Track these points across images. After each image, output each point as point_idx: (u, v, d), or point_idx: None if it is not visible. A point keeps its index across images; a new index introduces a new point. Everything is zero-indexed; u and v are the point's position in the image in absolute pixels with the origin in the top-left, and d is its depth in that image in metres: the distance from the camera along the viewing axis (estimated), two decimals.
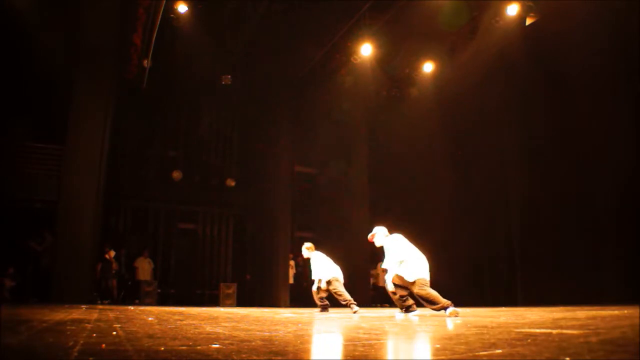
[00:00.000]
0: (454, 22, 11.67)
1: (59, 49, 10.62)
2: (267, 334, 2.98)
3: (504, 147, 12.42)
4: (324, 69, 13.73)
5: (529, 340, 2.32)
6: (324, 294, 7.79)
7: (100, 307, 8.04)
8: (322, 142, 15.26)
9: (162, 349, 2.11)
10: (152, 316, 5.03)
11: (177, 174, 14.08)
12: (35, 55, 10.54)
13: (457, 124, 14.16)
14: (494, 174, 12.58)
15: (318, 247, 8.14)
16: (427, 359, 2.04)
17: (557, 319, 3.98)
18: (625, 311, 4.74)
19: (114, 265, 12.04)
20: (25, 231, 10.93)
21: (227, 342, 2.45)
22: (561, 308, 6.72)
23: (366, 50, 12.17)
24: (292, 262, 13.97)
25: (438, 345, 2.40)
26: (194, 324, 3.88)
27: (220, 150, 15.52)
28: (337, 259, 8.01)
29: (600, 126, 9.65)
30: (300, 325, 4.06)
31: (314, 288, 7.83)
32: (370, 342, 2.57)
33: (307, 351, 2.38)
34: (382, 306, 12.66)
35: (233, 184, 14.79)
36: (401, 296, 5.76)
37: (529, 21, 10.96)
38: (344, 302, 7.48)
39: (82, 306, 7.49)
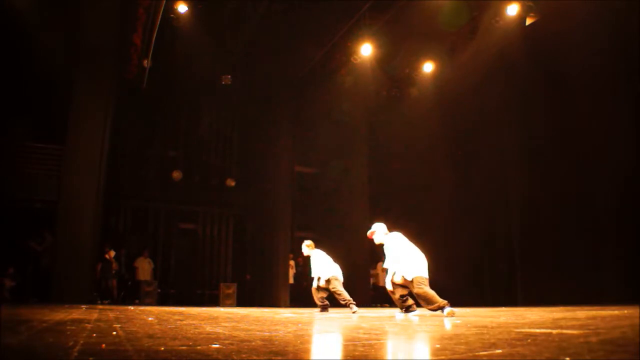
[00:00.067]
0: (454, 22, 11.67)
1: (59, 49, 10.62)
2: (267, 334, 2.98)
3: (504, 147, 12.42)
4: (324, 69, 13.73)
5: (529, 340, 2.32)
6: (324, 294, 7.79)
7: (100, 307, 8.04)
8: (322, 142, 15.27)
9: (162, 349, 2.11)
10: (152, 316, 5.03)
11: (177, 174, 14.09)
12: (35, 55, 10.53)
13: (457, 124, 14.16)
14: (494, 174, 12.57)
15: (318, 246, 8.14)
16: (427, 359, 2.04)
17: (557, 319, 3.98)
18: (625, 311, 4.74)
19: (114, 265, 12.05)
20: (25, 231, 10.93)
21: (227, 342, 2.45)
22: (561, 308, 6.72)
23: (366, 50, 12.17)
24: (292, 262, 13.97)
25: (438, 345, 2.40)
26: (194, 324, 3.88)
27: (220, 150, 15.53)
28: (337, 259, 8.00)
29: (600, 126, 9.64)
30: (300, 325, 4.06)
31: (314, 285, 7.82)
32: (370, 342, 2.57)
33: (307, 351, 2.38)
34: (382, 306, 12.66)
35: (233, 184, 14.79)
36: (401, 296, 5.76)
37: (529, 21, 10.96)
38: (343, 302, 7.48)
39: (82, 306, 7.49)
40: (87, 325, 3.38)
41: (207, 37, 12.15)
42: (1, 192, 10.34)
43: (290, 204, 14.07)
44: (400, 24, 11.85)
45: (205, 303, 13.16)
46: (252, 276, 14.61)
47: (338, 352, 2.33)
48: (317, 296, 7.80)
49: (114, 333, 2.78)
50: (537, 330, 2.87)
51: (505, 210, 12.27)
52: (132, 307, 8.39)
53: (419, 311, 5.78)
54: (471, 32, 12.04)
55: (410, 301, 5.79)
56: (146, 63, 11.92)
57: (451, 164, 14.26)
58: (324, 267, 7.72)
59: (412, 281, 5.46)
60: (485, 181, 12.82)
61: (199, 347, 2.19)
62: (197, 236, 14.72)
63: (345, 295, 7.48)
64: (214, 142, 15.46)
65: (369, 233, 6.11)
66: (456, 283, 12.18)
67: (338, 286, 7.58)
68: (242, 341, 2.48)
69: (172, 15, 11.29)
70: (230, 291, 12.97)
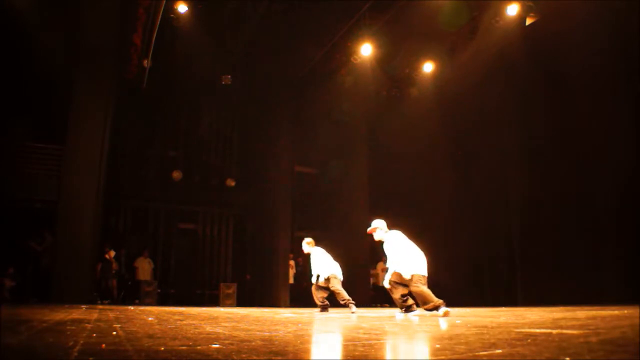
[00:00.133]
0: (454, 22, 11.66)
1: (59, 49, 10.62)
2: (267, 334, 2.99)
3: (504, 147, 12.42)
4: (324, 69, 13.72)
5: (529, 340, 2.32)
6: (324, 294, 7.78)
7: (100, 307, 8.04)
8: (322, 142, 15.26)
9: (162, 349, 2.11)
10: (152, 316, 5.03)
11: (177, 174, 14.08)
12: (35, 55, 10.53)
13: (457, 124, 14.15)
14: (494, 174, 12.58)
15: (318, 244, 8.14)
16: (427, 359, 2.04)
17: (557, 319, 3.98)
18: (625, 311, 4.74)
19: (114, 265, 12.04)
20: (25, 231, 10.93)
21: (227, 342, 2.45)
22: (561, 308, 6.72)
23: (366, 50, 12.16)
24: (292, 262, 13.97)
25: (438, 345, 2.40)
26: (194, 324, 3.88)
27: (220, 150, 15.52)
28: (337, 259, 8.00)
29: (600, 126, 9.65)
30: (300, 325, 4.06)
31: (314, 280, 7.81)
32: (370, 342, 2.57)
33: (307, 351, 2.38)
34: (382, 306, 12.65)
35: (233, 184, 14.79)
36: (402, 295, 5.76)
37: (529, 21, 10.95)
38: (342, 302, 7.47)
39: (82, 306, 7.49)
40: (87, 325, 3.38)
41: (207, 37, 12.14)
42: (1, 192, 10.34)
43: (290, 204, 14.06)
44: (400, 24, 11.85)
45: (205, 303, 13.15)
46: (252, 276, 14.60)
47: (338, 352, 2.33)
48: (317, 296, 7.79)
49: (114, 333, 2.78)
50: (537, 330, 2.87)
51: (505, 210, 12.27)
52: (132, 307, 8.39)
53: (419, 311, 5.77)
54: (471, 32, 12.04)
55: (411, 301, 5.79)
56: (146, 63, 11.91)
57: (451, 164, 14.26)
58: (324, 265, 7.71)
59: (410, 279, 5.46)
60: (485, 181, 12.82)
61: (199, 347, 2.19)
62: (197, 236, 14.71)
63: (344, 294, 7.48)
64: (214, 142, 15.45)
65: (369, 229, 6.12)
66: (456, 283, 12.19)
67: (337, 285, 7.57)
68: (242, 341, 2.48)
69: (172, 15, 11.29)
70: (230, 291, 12.97)
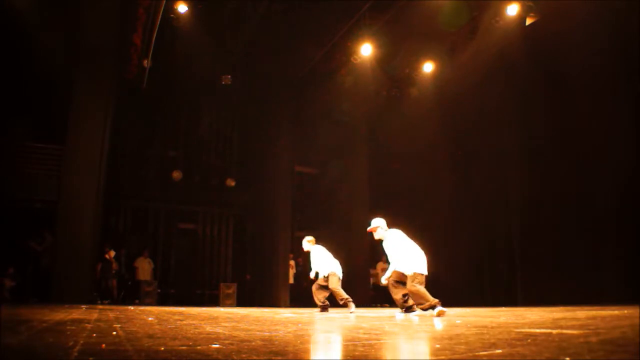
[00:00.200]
0: (454, 22, 11.66)
1: (59, 49, 10.61)
2: (267, 334, 2.99)
3: (504, 147, 12.42)
4: (324, 69, 13.72)
5: (529, 340, 2.32)
6: (325, 294, 7.78)
7: (100, 307, 8.04)
8: (322, 142, 15.26)
9: (162, 349, 2.11)
10: (152, 316, 5.03)
11: (177, 174, 14.08)
12: (35, 55, 10.53)
13: (457, 124, 14.16)
14: (494, 174, 12.58)
15: (318, 243, 8.14)
16: (427, 359, 2.04)
17: (557, 319, 3.98)
18: (625, 311, 4.74)
19: (114, 265, 12.04)
20: (25, 231, 10.93)
21: (227, 342, 2.45)
22: (561, 308, 6.72)
23: (366, 50, 12.16)
24: (292, 262, 13.97)
25: (438, 345, 2.40)
26: (194, 324, 3.88)
27: (220, 150, 15.52)
28: (337, 258, 8.00)
29: (600, 126, 9.65)
30: (300, 325, 4.06)
31: (312, 275, 7.81)
32: (370, 342, 2.57)
33: (307, 351, 2.38)
34: (382, 306, 12.66)
35: (233, 184, 14.79)
36: (402, 295, 5.76)
37: (529, 21, 10.95)
38: (341, 301, 7.47)
39: (82, 306, 7.49)
40: (87, 325, 3.38)
41: (207, 37, 12.13)
42: (1, 192, 10.34)
43: (290, 204, 14.06)
44: (400, 24, 11.84)
45: (205, 303, 13.15)
46: (252, 276, 14.60)
47: (338, 352, 2.33)
48: (317, 296, 7.79)
49: (114, 333, 2.78)
50: (537, 330, 2.87)
51: (505, 210, 12.27)
52: (132, 307, 8.39)
53: (420, 311, 5.78)
54: (471, 32, 12.03)
55: (411, 301, 5.79)
56: (146, 63, 11.91)
57: (451, 164, 14.26)
58: (324, 263, 7.71)
59: (409, 277, 5.47)
60: (485, 181, 12.82)
61: (199, 347, 2.19)
62: (197, 236, 14.71)
63: (343, 294, 7.47)
64: (214, 142, 15.45)
65: (369, 228, 6.13)
66: (456, 283, 12.21)
67: (336, 283, 7.57)
68: (242, 341, 2.48)
69: (172, 15, 11.28)
70: (230, 291, 12.97)
